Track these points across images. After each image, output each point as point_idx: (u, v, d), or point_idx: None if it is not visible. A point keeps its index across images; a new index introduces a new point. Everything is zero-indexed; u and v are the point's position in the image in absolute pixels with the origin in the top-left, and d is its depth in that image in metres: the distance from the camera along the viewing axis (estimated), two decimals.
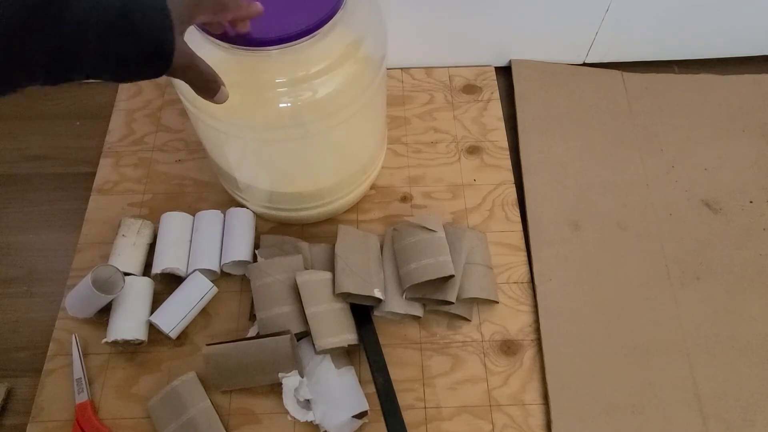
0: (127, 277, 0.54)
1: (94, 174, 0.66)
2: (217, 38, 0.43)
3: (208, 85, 0.38)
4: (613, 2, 0.68)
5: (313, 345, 0.52)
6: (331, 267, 0.56)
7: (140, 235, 0.59)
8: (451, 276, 0.55)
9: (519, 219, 0.64)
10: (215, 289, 0.57)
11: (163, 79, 0.80)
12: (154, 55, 0.33)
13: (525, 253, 0.62)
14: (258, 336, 0.54)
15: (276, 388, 0.53)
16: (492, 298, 0.57)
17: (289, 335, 0.51)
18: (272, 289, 0.54)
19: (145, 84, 0.73)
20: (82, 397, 0.52)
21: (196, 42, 0.41)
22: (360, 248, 0.57)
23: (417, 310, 0.56)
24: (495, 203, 0.65)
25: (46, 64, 0.30)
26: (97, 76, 0.33)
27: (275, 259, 0.56)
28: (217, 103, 0.40)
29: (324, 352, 0.52)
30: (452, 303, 0.55)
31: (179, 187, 0.66)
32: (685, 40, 0.76)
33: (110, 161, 0.67)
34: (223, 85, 0.39)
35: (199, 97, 0.40)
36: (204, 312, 0.57)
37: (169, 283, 0.57)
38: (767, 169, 0.68)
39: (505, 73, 0.76)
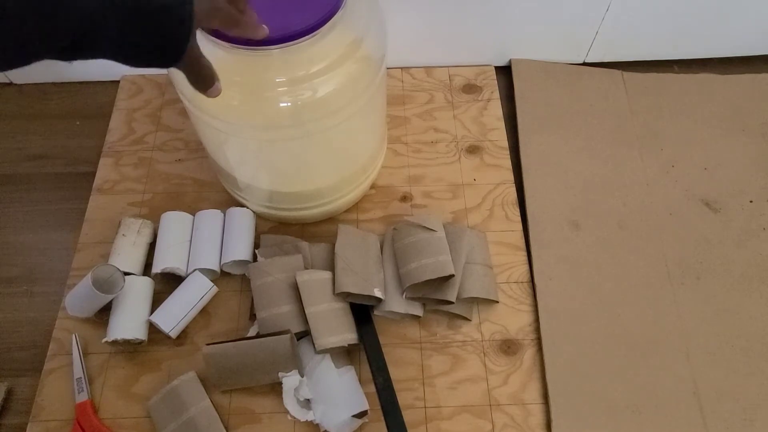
0: (127, 277, 0.54)
1: (94, 174, 0.66)
2: (218, 38, 0.43)
3: (205, 80, 0.39)
4: (613, 2, 0.68)
5: (313, 344, 0.52)
6: (331, 266, 0.56)
7: (140, 235, 0.59)
8: (451, 276, 0.55)
9: (519, 218, 0.64)
10: (215, 289, 0.57)
11: (164, 78, 0.80)
12: (168, 48, 0.34)
13: (525, 253, 0.62)
14: (258, 335, 0.54)
15: (276, 388, 0.53)
16: (492, 298, 0.57)
17: (289, 335, 0.51)
18: (272, 289, 0.54)
19: (145, 83, 0.73)
20: (82, 397, 0.52)
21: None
22: (360, 248, 0.58)
23: (417, 310, 0.56)
24: (495, 203, 0.65)
25: (66, 42, 0.31)
26: (110, 58, 0.34)
27: (275, 258, 0.56)
28: (209, 97, 0.41)
29: (324, 351, 0.52)
30: (452, 302, 0.55)
31: (179, 186, 0.66)
32: (685, 40, 0.76)
33: (110, 161, 0.67)
34: (218, 80, 0.40)
35: (198, 96, 0.40)
36: (204, 312, 0.57)
37: (169, 282, 0.57)
38: (767, 169, 0.68)
39: (505, 72, 0.76)
